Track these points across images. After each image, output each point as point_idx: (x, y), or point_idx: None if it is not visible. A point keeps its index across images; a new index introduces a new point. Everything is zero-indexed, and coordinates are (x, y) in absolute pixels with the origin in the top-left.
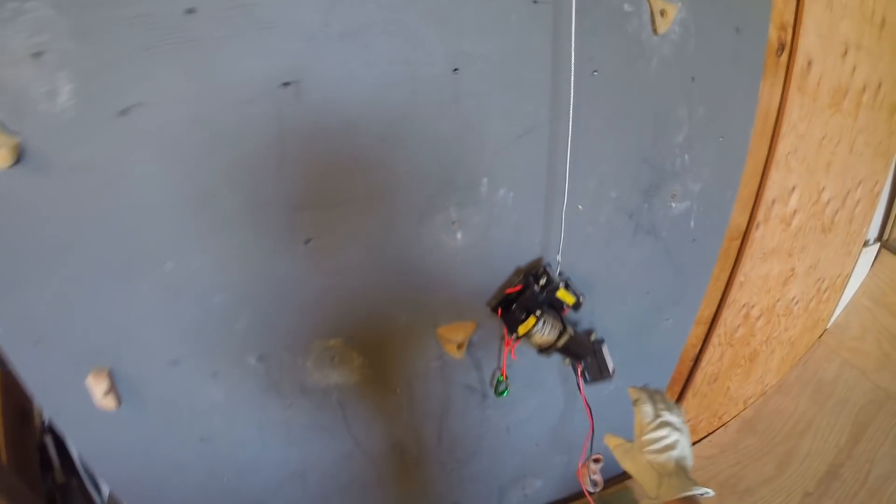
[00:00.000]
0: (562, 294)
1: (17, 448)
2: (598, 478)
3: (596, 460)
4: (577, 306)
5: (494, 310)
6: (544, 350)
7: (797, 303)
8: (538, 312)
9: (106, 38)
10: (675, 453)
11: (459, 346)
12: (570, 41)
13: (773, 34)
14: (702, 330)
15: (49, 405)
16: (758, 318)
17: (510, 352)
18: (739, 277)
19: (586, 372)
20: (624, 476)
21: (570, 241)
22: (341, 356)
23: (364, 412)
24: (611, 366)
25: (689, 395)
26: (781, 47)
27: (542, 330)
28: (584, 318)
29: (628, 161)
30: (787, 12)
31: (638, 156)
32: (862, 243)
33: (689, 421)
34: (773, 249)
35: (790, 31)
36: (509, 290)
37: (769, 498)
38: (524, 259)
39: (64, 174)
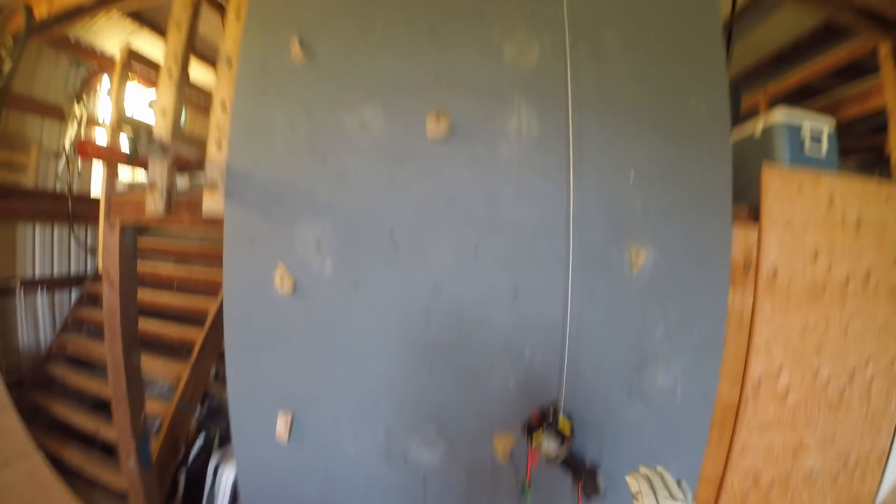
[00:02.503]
0: (564, 423)
1: (162, 470)
2: None
3: None
4: (572, 432)
5: (523, 428)
6: (551, 460)
7: (819, 476)
8: (545, 427)
9: (352, 246)
10: None
11: (504, 454)
12: (568, 280)
13: (738, 255)
14: (711, 490)
15: (239, 430)
16: (770, 487)
17: (532, 460)
18: (738, 444)
19: (585, 488)
20: None
21: (579, 395)
22: (433, 442)
23: (437, 488)
24: (602, 486)
25: None
26: (747, 264)
27: (548, 442)
28: (594, 456)
29: (620, 346)
30: (750, 238)
31: (627, 343)
32: (894, 417)
33: None
34: (770, 421)
35: (754, 251)
36: (533, 418)
37: None
38: (545, 399)
39: (317, 303)
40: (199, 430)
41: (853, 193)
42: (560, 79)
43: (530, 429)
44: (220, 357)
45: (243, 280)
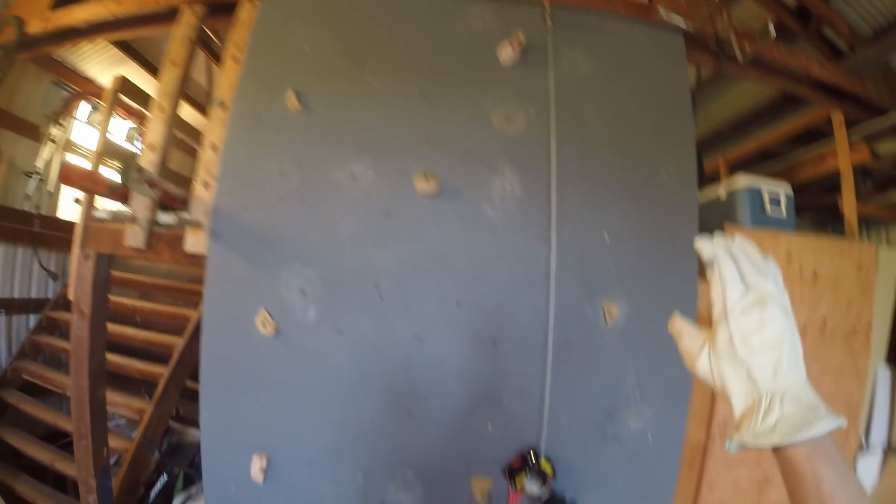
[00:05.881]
0: (545, 465)
1: None
2: None
3: None
4: (553, 474)
5: (504, 471)
6: (534, 500)
7: None
8: (527, 469)
9: (336, 294)
10: (786, 350)
11: (482, 496)
12: (548, 332)
13: (703, 309)
14: None
15: (210, 471)
16: None
17: (513, 502)
18: (706, 481)
19: None
20: None
21: (557, 438)
22: (411, 484)
23: None
24: None
25: None
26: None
27: (531, 483)
28: (571, 496)
29: (594, 394)
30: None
31: (600, 390)
32: (853, 451)
33: None
34: (736, 459)
35: None
36: (514, 462)
37: None
38: (522, 444)
39: (298, 348)
40: (159, 469)
41: (810, 249)
42: (543, 146)
43: (512, 471)
44: (183, 395)
45: (224, 321)
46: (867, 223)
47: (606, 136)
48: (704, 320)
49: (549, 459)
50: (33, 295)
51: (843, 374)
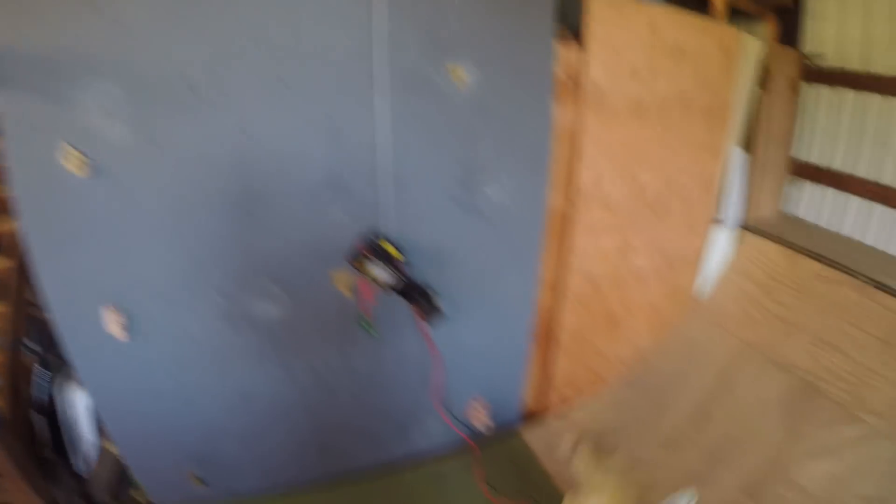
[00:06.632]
0: (389, 248)
1: (16, 424)
2: (487, 422)
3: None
4: (405, 260)
5: (349, 260)
6: (386, 288)
7: (648, 275)
8: (371, 256)
9: (145, 105)
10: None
11: (348, 288)
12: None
13: (562, 74)
14: (551, 292)
15: (70, 341)
16: (606, 286)
17: (366, 292)
18: (572, 247)
19: (427, 314)
20: (518, 426)
21: (410, 217)
22: (272, 292)
23: (289, 340)
24: (440, 307)
25: (560, 354)
26: (572, 82)
27: (378, 270)
28: (435, 278)
29: (446, 164)
30: (574, 57)
31: (453, 160)
32: (707, 221)
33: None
34: (599, 226)
35: (578, 70)
36: (359, 248)
37: (648, 436)
38: (375, 228)
39: (115, 181)
40: (38, 364)
41: (674, 23)
42: None
43: (356, 258)
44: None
45: (33, 174)
46: (736, 14)
47: None
48: (563, 85)
49: (395, 241)
50: None
51: (701, 150)
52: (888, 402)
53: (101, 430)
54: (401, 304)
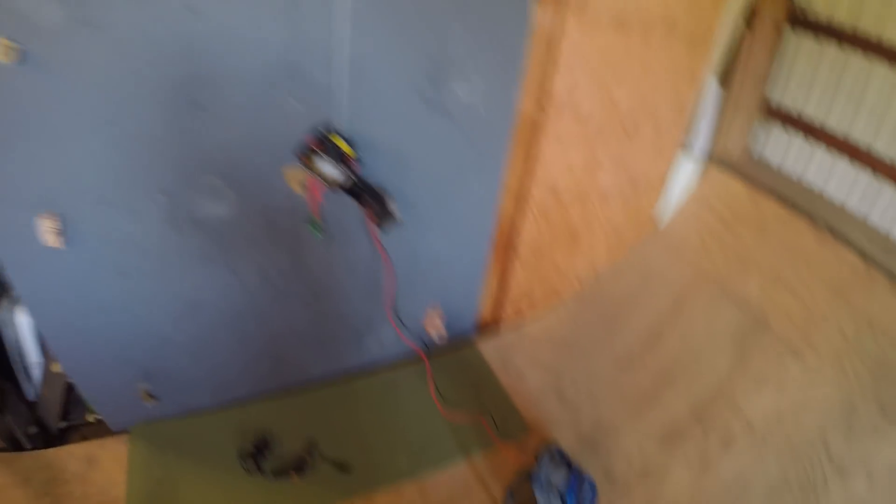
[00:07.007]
0: (340, 143)
1: None
2: (441, 332)
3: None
4: (358, 157)
5: (298, 155)
6: (335, 187)
7: (612, 194)
8: (320, 151)
9: None
10: None
11: (300, 186)
12: None
13: None
14: (513, 202)
15: (6, 258)
16: (570, 201)
17: (314, 190)
18: (538, 157)
19: (379, 218)
20: (473, 337)
21: (367, 110)
22: (219, 190)
23: (237, 242)
24: (397, 214)
25: (518, 266)
26: None
27: (327, 167)
28: (396, 181)
29: (411, 51)
30: None
31: (419, 49)
32: (675, 148)
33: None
34: (570, 140)
35: None
36: (308, 141)
37: (601, 355)
38: (328, 121)
39: (47, 68)
40: None
41: None
42: None
43: (305, 153)
44: None
45: None
46: None
47: None
48: None
49: (347, 136)
50: None
51: (678, 74)
52: (833, 348)
53: (45, 350)
54: (354, 206)
